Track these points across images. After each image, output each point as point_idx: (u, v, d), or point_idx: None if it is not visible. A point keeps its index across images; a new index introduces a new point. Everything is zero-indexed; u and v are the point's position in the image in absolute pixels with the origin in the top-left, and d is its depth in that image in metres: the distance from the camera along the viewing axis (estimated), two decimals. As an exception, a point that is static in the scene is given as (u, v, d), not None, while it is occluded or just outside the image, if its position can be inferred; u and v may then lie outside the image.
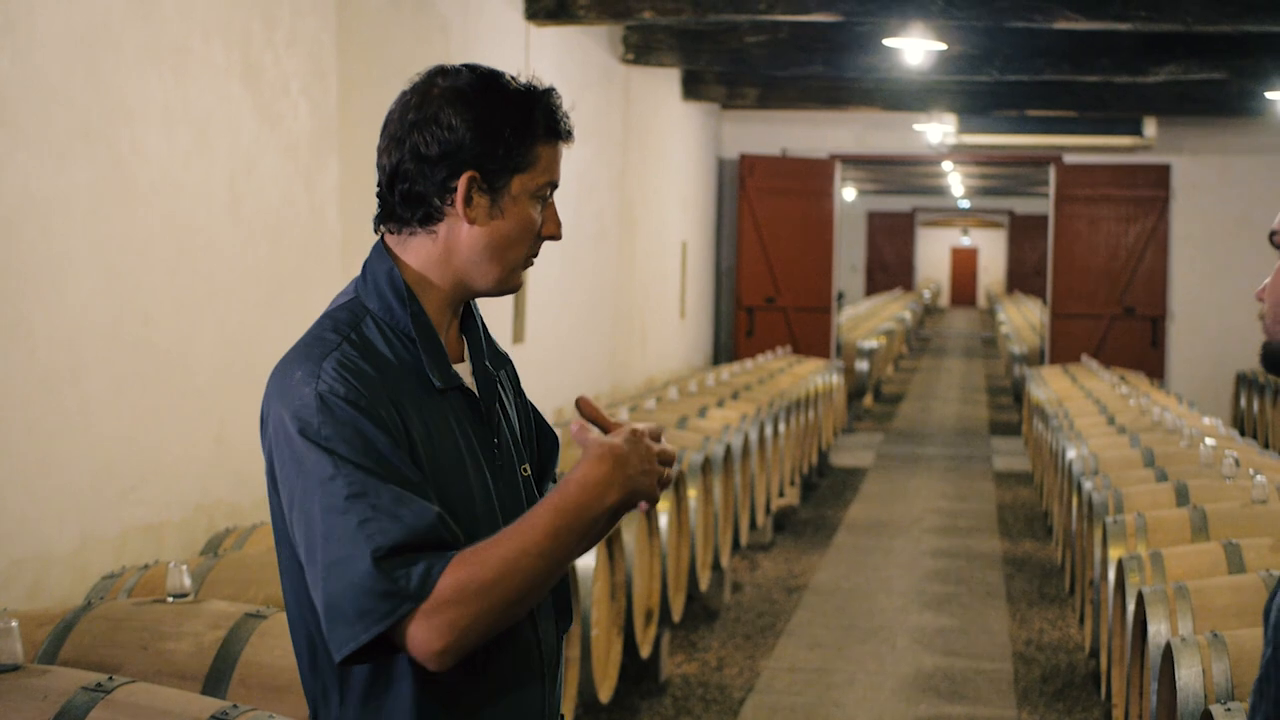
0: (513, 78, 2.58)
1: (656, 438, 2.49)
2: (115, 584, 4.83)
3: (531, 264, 2.61)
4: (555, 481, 2.82)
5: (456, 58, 9.00)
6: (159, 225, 5.80)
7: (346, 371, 2.44)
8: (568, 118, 2.60)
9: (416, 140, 2.53)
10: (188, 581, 4.25)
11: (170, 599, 4.22)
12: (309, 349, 2.51)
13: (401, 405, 2.45)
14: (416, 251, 2.59)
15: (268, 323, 6.72)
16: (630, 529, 7.14)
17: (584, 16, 10.80)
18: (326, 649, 2.45)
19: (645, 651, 7.48)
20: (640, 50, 13.49)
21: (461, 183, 2.51)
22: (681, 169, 16.63)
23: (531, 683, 2.62)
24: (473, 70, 2.57)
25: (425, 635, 2.32)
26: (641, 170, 14.40)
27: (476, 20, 9.49)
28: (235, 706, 3.42)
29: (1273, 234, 2.17)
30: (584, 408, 2.58)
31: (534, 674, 2.62)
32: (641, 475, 2.44)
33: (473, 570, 2.33)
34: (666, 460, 2.48)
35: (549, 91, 2.58)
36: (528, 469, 2.68)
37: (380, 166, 2.61)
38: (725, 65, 13.97)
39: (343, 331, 2.53)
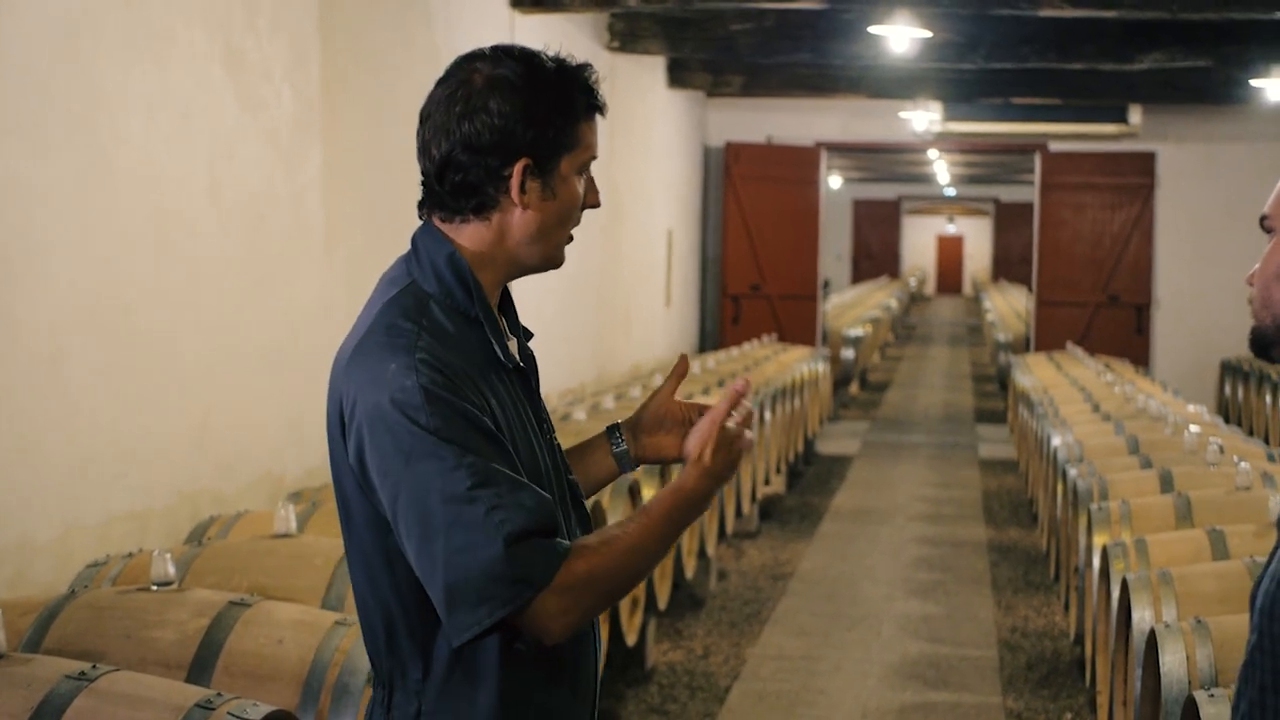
0: (547, 57, 2.61)
1: (738, 433, 2.60)
2: (99, 572, 4.82)
3: (572, 239, 2.68)
4: None
5: (440, 44, 8.98)
6: (140, 212, 5.78)
7: (438, 361, 2.47)
8: (597, 91, 2.65)
9: (467, 131, 2.55)
10: (172, 570, 4.24)
11: (154, 587, 4.21)
12: (391, 339, 2.51)
13: (481, 388, 2.51)
14: (470, 236, 2.61)
15: (250, 309, 6.70)
16: (617, 516, 7.13)
17: (569, 4, 10.78)
18: (410, 630, 2.53)
19: (631, 639, 7.48)
20: (625, 38, 13.47)
21: (516, 170, 2.56)
22: (667, 157, 16.62)
23: (585, 699, 2.71)
24: (509, 54, 2.61)
25: (547, 618, 2.43)
26: (627, 158, 14.39)
27: (461, 7, 9.46)
28: (219, 695, 3.42)
29: (1263, 218, 2.17)
30: (679, 371, 2.86)
31: (589, 690, 2.72)
32: (728, 477, 2.59)
33: (597, 559, 2.45)
34: (743, 445, 2.62)
35: (584, 68, 2.63)
36: (557, 437, 2.76)
37: (428, 157, 2.62)
38: (710, 53, 13.95)
39: (413, 318, 2.53)
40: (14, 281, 5.05)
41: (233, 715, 3.32)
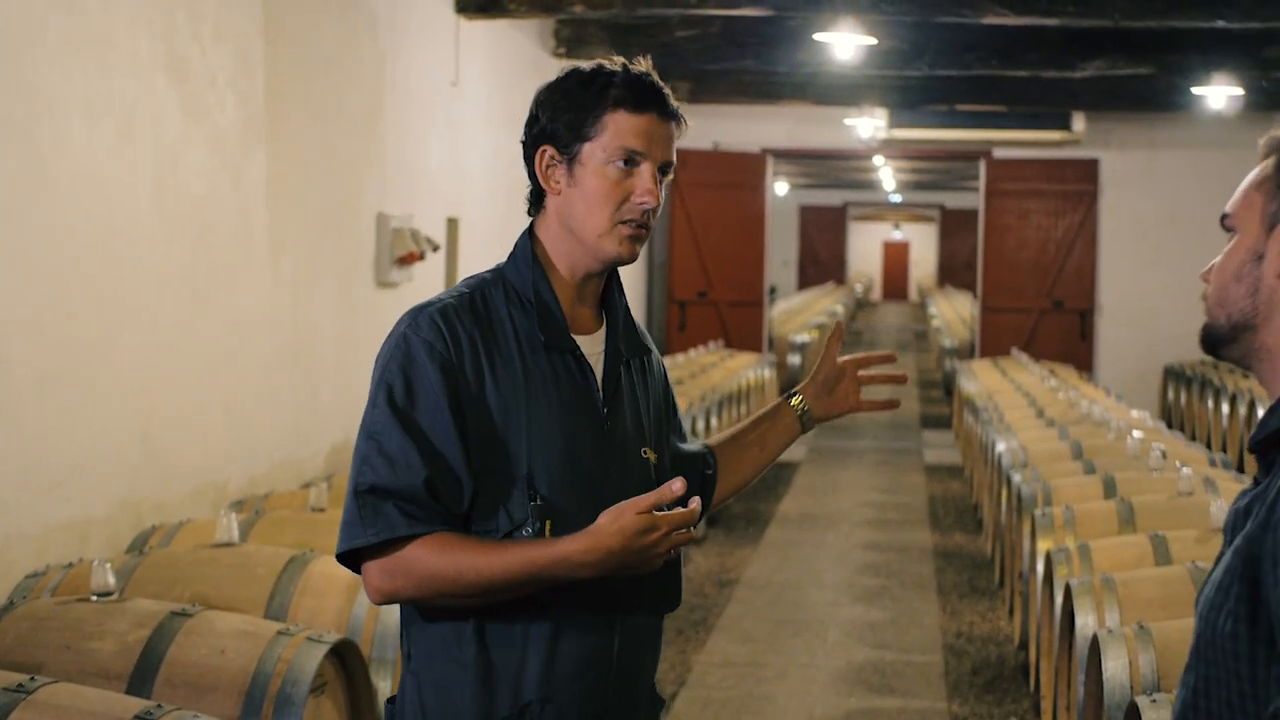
0: (604, 63, 2.81)
1: (683, 523, 2.63)
2: (38, 583, 4.78)
3: (638, 234, 2.79)
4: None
5: (385, 51, 8.96)
6: (83, 218, 5.74)
7: (444, 320, 2.70)
8: (647, 90, 2.78)
9: (526, 131, 2.83)
10: (112, 580, 4.21)
11: (94, 598, 4.17)
12: (433, 299, 2.77)
13: (492, 359, 2.70)
14: (542, 230, 2.84)
15: (194, 318, 6.66)
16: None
17: (514, 10, 10.76)
18: None
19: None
20: (571, 44, 13.45)
21: (538, 156, 2.78)
22: (613, 163, 16.60)
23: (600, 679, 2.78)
24: (575, 67, 2.82)
25: (372, 579, 2.65)
26: (573, 164, 14.35)
27: (406, 13, 9.44)
28: (159, 706, 3.39)
29: (1224, 217, 2.19)
30: (837, 334, 3.24)
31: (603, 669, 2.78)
32: (631, 565, 2.63)
33: (433, 557, 2.61)
34: (687, 524, 2.64)
35: (624, 68, 2.80)
36: (649, 452, 2.87)
37: None
38: (656, 59, 13.83)
39: (471, 285, 2.80)
40: (-47, 289, 5.00)
41: (173, 727, 3.29)
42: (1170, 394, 17.31)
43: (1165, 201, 17.89)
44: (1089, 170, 18.20)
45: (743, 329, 18.71)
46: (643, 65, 2.83)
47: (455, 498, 2.64)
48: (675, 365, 14.76)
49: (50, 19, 5.51)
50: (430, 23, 9.98)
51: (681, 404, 11.35)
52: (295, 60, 7.67)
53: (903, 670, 8.17)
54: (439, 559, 2.60)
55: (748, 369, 15.27)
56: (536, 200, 2.84)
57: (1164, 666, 4.58)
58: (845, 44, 12.27)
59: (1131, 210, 18.12)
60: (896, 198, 49.43)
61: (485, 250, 11.05)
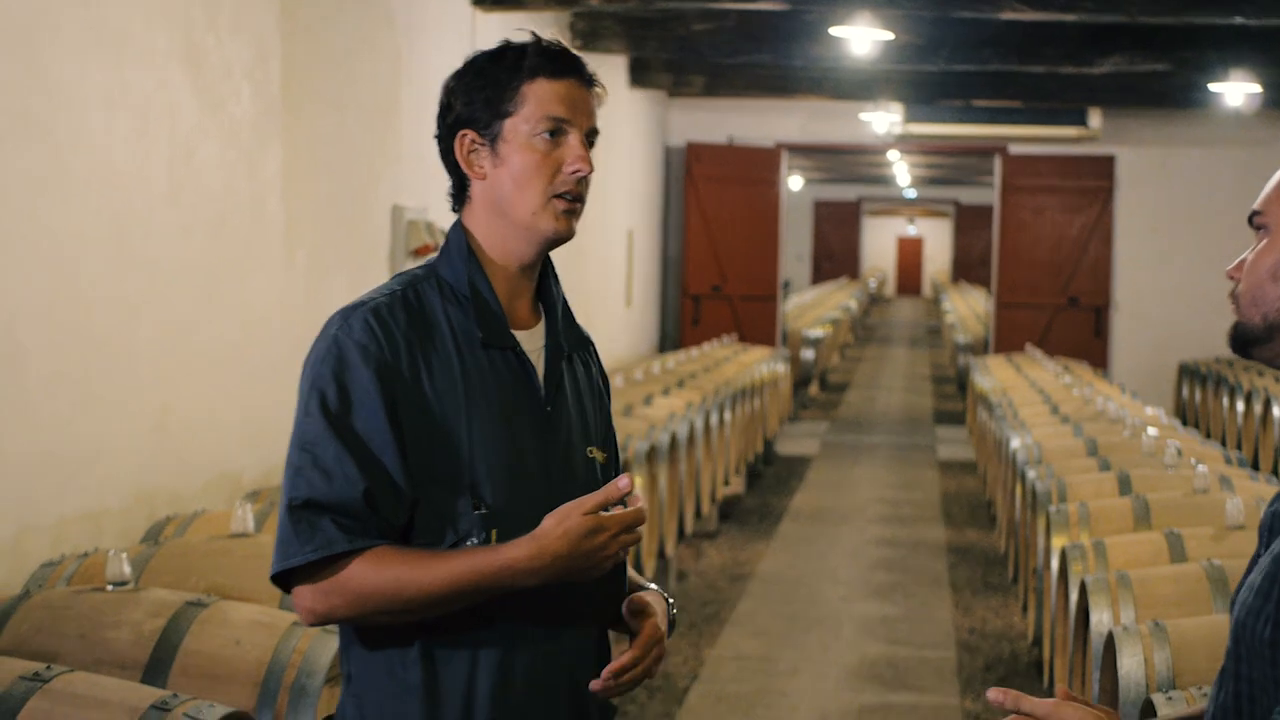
0: (508, 40, 2.69)
1: (631, 523, 2.52)
2: (54, 572, 4.78)
3: (572, 207, 2.65)
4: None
5: (402, 43, 8.96)
6: (99, 211, 5.74)
7: (377, 320, 2.55)
8: (562, 56, 2.64)
9: (438, 124, 2.70)
10: (127, 570, 4.21)
11: (110, 587, 4.18)
12: (363, 298, 2.63)
13: (429, 359, 2.56)
14: (470, 220, 2.69)
15: (208, 310, 6.67)
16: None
17: (530, 3, 10.76)
18: None
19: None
20: (587, 37, 13.45)
21: (457, 143, 2.66)
22: (628, 157, 16.61)
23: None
24: (479, 50, 2.71)
25: (304, 599, 2.51)
26: (588, 158, 14.35)
27: (422, 6, 9.43)
28: (175, 696, 3.40)
29: (1254, 214, 2.16)
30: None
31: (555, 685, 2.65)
32: (579, 569, 2.51)
33: (372, 573, 2.47)
34: (635, 524, 2.53)
35: (535, 39, 2.66)
36: (596, 452, 2.73)
37: None
38: (672, 53, 13.95)
39: (404, 282, 2.65)
40: (-31, 279, 5.01)
41: (189, 716, 3.30)
42: (1185, 391, 17.28)
43: (1181, 198, 17.86)
44: (1105, 167, 18.17)
45: (756, 323, 18.70)
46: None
47: (395, 509, 2.51)
48: (689, 359, 14.76)
49: (67, 11, 5.51)
50: (446, 15, 9.98)
51: (695, 398, 11.35)
52: (311, 52, 7.67)
53: (916, 666, 8.17)
54: (378, 575, 2.46)
55: (761, 363, 15.26)
56: (460, 191, 2.69)
57: (1179, 664, 4.57)
58: (861, 38, 12.26)
59: (1147, 207, 18.09)
60: (911, 193, 49.37)
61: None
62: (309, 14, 7.64)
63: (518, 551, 2.47)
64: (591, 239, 14.71)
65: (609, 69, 15.37)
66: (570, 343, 2.75)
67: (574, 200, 2.64)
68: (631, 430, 9.20)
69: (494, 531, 2.53)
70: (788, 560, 10.89)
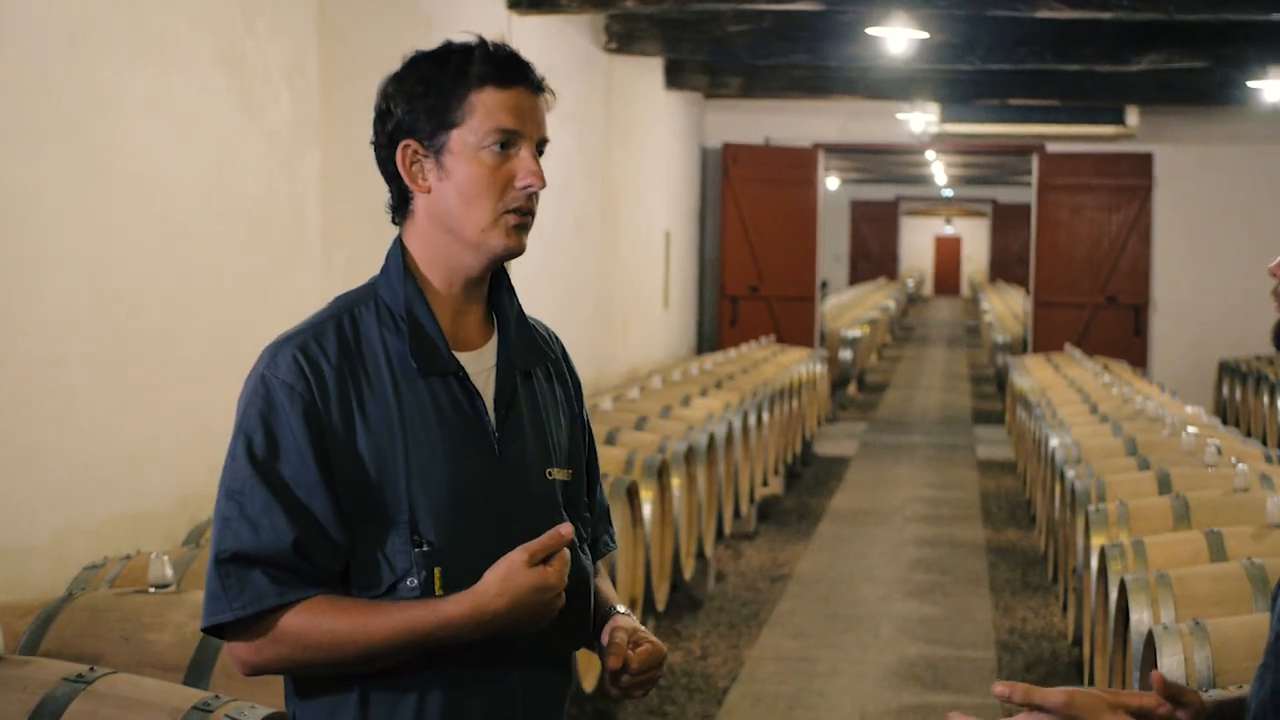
0: (449, 41, 2.55)
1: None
2: (97, 575, 4.81)
3: (524, 222, 2.52)
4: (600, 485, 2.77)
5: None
6: (140, 215, 5.78)
7: (305, 356, 2.45)
8: (511, 63, 2.51)
9: (376, 130, 2.54)
10: (169, 572, 4.24)
11: (152, 589, 4.20)
12: (294, 329, 2.53)
13: (361, 394, 2.44)
14: (411, 236, 2.54)
15: (249, 313, 6.70)
16: (615, 518, 7.12)
17: (566, 5, 10.77)
18: None
19: (629, 641, 7.46)
20: (623, 39, 13.46)
21: (399, 154, 2.49)
22: (664, 158, 16.61)
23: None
24: (419, 51, 2.56)
25: (238, 652, 2.43)
26: (624, 160, 14.38)
27: (458, 8, 9.47)
28: (217, 697, 3.41)
29: None
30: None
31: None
32: (525, 623, 2.42)
33: (307, 626, 2.38)
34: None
35: (480, 43, 2.53)
36: (557, 472, 2.59)
37: None
38: (708, 54, 13.95)
39: (340, 306, 2.54)
40: (14, 286, 5.05)
41: (230, 718, 3.32)
42: (1225, 389, 17.19)
43: (1220, 196, 17.78)
44: (1143, 165, 18.10)
45: (794, 324, 18.69)
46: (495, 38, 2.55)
47: (327, 556, 2.39)
48: (726, 360, 14.76)
49: (109, 16, 5.55)
50: (482, 18, 10.01)
51: (733, 399, 11.35)
52: (348, 56, 7.70)
53: (955, 666, 8.15)
54: (314, 628, 2.36)
55: (799, 364, 15.25)
56: (401, 204, 2.52)
57: (1220, 663, 4.55)
58: (897, 38, 12.25)
59: (1186, 205, 18.01)
60: (948, 192, 49.25)
61: (533, 240, 11.06)
62: (345, 18, 7.68)
63: (455, 610, 2.36)
64: (628, 240, 14.72)
65: (645, 71, 15.38)
66: (526, 358, 2.60)
67: (525, 215, 2.51)
68: (670, 432, 9.20)
69: (437, 570, 2.41)
70: (826, 560, 10.88)
